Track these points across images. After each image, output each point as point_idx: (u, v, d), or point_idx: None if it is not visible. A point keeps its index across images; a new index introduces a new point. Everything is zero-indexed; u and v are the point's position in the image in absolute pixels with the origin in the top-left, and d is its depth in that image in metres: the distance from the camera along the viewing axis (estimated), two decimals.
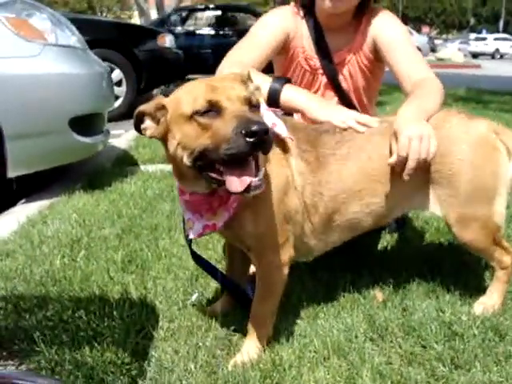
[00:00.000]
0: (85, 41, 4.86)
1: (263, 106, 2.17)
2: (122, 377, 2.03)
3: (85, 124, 4.34)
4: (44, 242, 3.28)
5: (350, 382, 2.00)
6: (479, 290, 2.65)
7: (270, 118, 2.17)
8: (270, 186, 2.11)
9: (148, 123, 1.98)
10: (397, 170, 2.29)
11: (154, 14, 23.81)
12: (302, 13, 2.95)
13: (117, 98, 7.86)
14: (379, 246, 3.23)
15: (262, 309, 2.21)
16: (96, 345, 2.21)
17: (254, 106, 1.91)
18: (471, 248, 2.49)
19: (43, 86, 4.03)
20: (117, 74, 8.53)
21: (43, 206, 4.05)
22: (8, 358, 2.22)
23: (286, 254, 2.20)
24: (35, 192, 4.44)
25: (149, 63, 8.95)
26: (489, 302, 2.49)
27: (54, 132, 4.16)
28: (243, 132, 1.73)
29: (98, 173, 4.94)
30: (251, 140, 1.73)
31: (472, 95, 11.55)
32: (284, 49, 2.93)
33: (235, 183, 1.80)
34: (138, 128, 2.00)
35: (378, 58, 2.89)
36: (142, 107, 1.97)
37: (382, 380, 2.00)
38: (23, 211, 3.94)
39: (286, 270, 2.21)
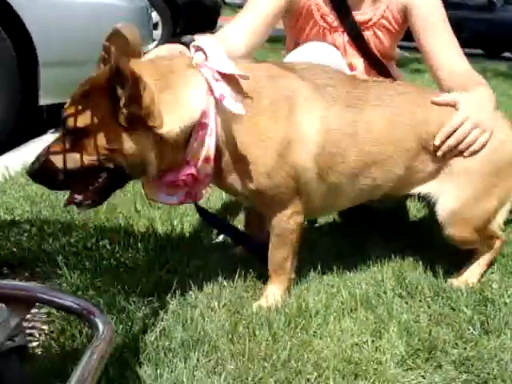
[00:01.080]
0: None
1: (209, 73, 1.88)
2: (143, 307, 1.99)
3: None
4: None
5: (376, 335, 1.95)
6: (510, 256, 2.58)
7: (217, 90, 1.86)
8: (262, 142, 1.94)
9: None
10: (435, 142, 2.17)
11: None
12: None
13: (152, 40, 7.75)
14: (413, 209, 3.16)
15: (278, 256, 2.12)
16: (119, 274, 2.17)
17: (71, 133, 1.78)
18: (456, 243, 2.35)
19: (84, 14, 3.96)
20: (154, 17, 8.40)
21: None
22: (30, 279, 2.20)
23: (295, 206, 2.07)
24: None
25: (186, 8, 8.82)
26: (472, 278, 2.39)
27: (90, 62, 4.06)
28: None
29: None
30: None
31: None
32: (293, 8, 2.58)
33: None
34: None
35: (406, 20, 2.60)
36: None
37: (408, 337, 1.94)
38: (52, 140, 3.89)
39: (298, 219, 2.08)
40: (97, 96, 1.75)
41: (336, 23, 2.60)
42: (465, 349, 1.91)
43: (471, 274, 2.37)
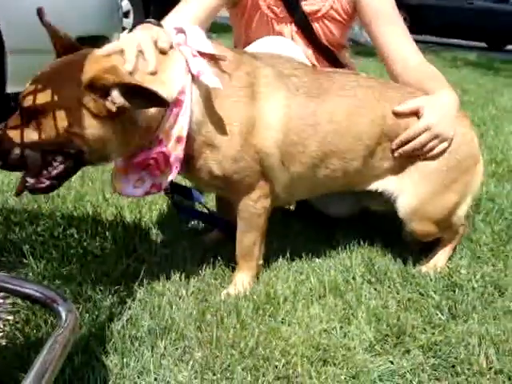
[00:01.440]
0: None
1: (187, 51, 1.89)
2: (110, 296, 1.97)
3: (89, 46, 4.19)
4: None
5: (345, 321, 1.95)
6: (478, 243, 2.61)
7: (195, 66, 1.86)
8: (228, 126, 1.93)
9: None
10: (392, 146, 2.20)
11: None
12: None
13: (123, 29, 7.67)
14: None
15: (245, 241, 2.11)
16: (86, 263, 2.14)
17: (27, 113, 1.76)
18: (418, 237, 2.37)
19: (50, 1, 3.88)
20: (125, 5, 8.32)
21: None
22: None
23: (262, 189, 2.06)
24: None
25: None
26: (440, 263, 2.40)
27: None
28: None
29: None
30: None
31: (483, 61, 11.36)
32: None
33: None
34: None
35: (355, 10, 2.55)
36: None
37: (377, 322, 1.95)
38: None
39: (265, 202, 2.07)
40: (66, 80, 1.73)
41: (283, 14, 2.55)
42: (433, 334, 1.92)
43: (438, 260, 2.39)
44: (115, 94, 1.67)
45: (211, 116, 1.91)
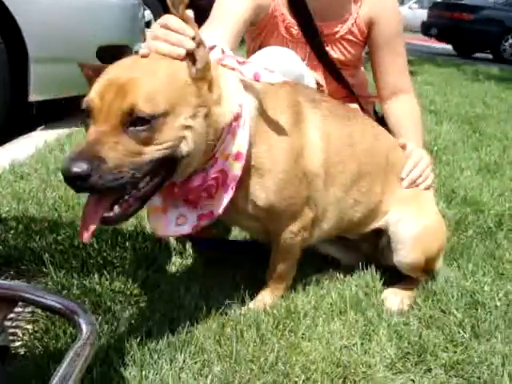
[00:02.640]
0: None
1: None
2: (129, 307, 1.97)
3: (112, 55, 4.20)
4: (60, 168, 3.20)
5: (366, 337, 1.92)
6: (501, 260, 2.57)
7: (248, 71, 1.80)
8: (276, 152, 1.86)
9: None
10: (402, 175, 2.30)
11: None
12: None
13: (145, 39, 7.71)
14: None
15: (280, 268, 2.07)
16: (105, 273, 2.13)
17: (141, 122, 1.48)
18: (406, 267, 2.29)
19: (74, 10, 3.91)
20: (147, 15, 8.36)
21: (61, 135, 3.97)
22: (15, 277, 2.16)
23: (303, 220, 2.01)
24: (54, 120, 4.35)
25: None
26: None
27: (80, 59, 4.04)
28: (64, 165, 1.41)
29: None
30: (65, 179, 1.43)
31: (505, 75, 11.27)
32: (258, 19, 2.51)
33: (83, 224, 1.51)
34: None
35: (371, 31, 2.63)
36: None
37: (398, 339, 1.92)
38: (41, 137, 3.87)
39: (305, 234, 2.04)
40: (169, 81, 1.56)
41: (299, 35, 2.57)
42: (455, 352, 1.89)
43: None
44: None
45: (262, 135, 1.84)
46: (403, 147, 2.37)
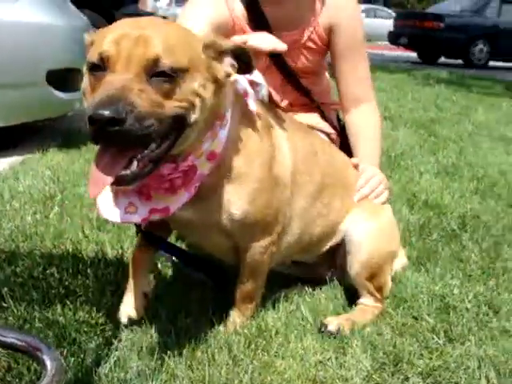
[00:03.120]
0: None
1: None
2: (95, 337, 1.89)
3: (62, 79, 4.14)
4: (15, 197, 3.12)
5: (340, 350, 1.89)
6: (468, 262, 2.57)
7: (242, 85, 1.89)
8: (252, 160, 1.84)
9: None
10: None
11: None
12: None
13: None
14: None
15: (249, 287, 2.01)
16: (68, 303, 2.06)
17: (163, 74, 1.48)
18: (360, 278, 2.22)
19: (20, 34, 3.83)
20: None
21: (15, 162, 3.88)
22: None
23: (272, 236, 1.97)
24: (6, 148, 4.24)
25: None
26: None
27: (30, 85, 3.98)
28: (91, 112, 1.36)
29: (73, 132, 4.78)
30: (92, 126, 1.38)
31: (454, 78, 11.46)
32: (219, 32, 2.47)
33: (94, 179, 1.47)
34: None
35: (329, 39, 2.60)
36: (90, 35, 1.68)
37: (373, 350, 1.89)
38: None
39: (273, 249, 1.99)
40: (187, 42, 1.59)
41: None
42: (430, 359, 1.88)
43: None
44: (227, 60, 1.65)
45: (239, 143, 1.82)
46: (355, 167, 2.37)
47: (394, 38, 18.47)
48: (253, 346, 1.86)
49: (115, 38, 1.50)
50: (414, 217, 3.10)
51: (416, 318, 2.11)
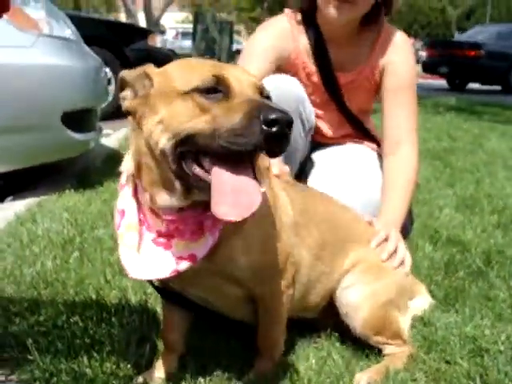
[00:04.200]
0: None
1: None
2: None
3: (77, 119, 4.15)
4: (34, 241, 3.09)
5: None
6: (497, 300, 2.52)
7: None
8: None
9: (127, 93, 1.63)
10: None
11: (141, 16, 23.61)
12: (299, 19, 2.72)
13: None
14: None
15: (273, 334, 1.96)
16: (95, 354, 2.02)
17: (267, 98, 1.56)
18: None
19: (36, 78, 3.84)
20: (107, 73, 8.32)
21: (32, 204, 3.85)
22: None
23: (287, 278, 1.91)
24: (22, 190, 4.23)
25: (138, 63, 8.66)
26: None
27: (46, 127, 3.98)
28: (262, 118, 1.37)
29: (88, 171, 4.77)
30: (270, 130, 1.36)
31: (463, 105, 11.47)
32: (281, 69, 2.71)
33: (224, 195, 1.43)
34: None
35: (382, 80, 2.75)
36: (125, 73, 1.65)
37: None
38: (10, 208, 3.75)
39: (290, 292, 1.94)
40: None
41: (319, 82, 2.70)
42: None
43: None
44: None
45: None
46: (370, 224, 2.33)
47: (430, 68, 18.85)
48: None
49: (218, 66, 1.56)
50: (437, 254, 3.05)
51: (449, 362, 2.05)
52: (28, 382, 1.91)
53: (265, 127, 1.36)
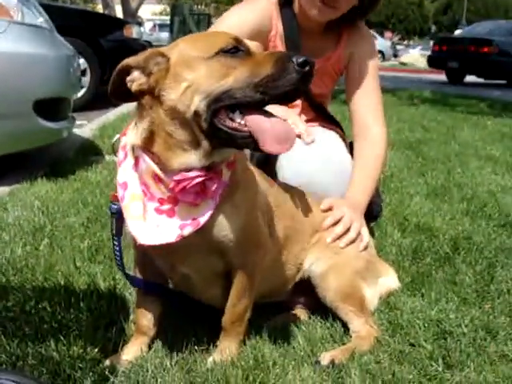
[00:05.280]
0: None
1: None
2: (91, 373, 1.86)
3: (50, 108, 4.13)
4: (4, 229, 3.08)
5: (339, 381, 1.87)
6: (463, 285, 2.56)
7: None
8: (250, 179, 1.99)
9: (136, 75, 1.71)
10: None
11: (118, 8, 23.42)
12: (278, 3, 2.73)
13: (81, 87, 7.61)
14: None
15: (239, 307, 1.99)
16: (62, 338, 2.03)
17: None
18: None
19: (7, 65, 3.81)
20: (81, 64, 8.25)
21: (3, 193, 3.83)
22: None
23: (265, 248, 2.03)
24: None
25: (114, 53, 8.66)
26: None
27: (18, 115, 3.95)
28: (295, 61, 1.58)
29: (60, 161, 4.74)
30: (304, 69, 1.58)
31: (438, 97, 11.56)
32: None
33: (268, 135, 1.62)
34: (116, 90, 1.75)
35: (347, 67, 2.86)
36: (129, 59, 1.72)
37: (372, 379, 1.87)
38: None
39: (262, 264, 2.03)
40: None
41: None
42: None
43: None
44: None
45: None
46: (331, 208, 2.39)
47: (437, 63, 18.98)
48: (251, 378, 1.83)
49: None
50: (406, 240, 3.09)
51: (413, 345, 2.09)
52: None
53: (299, 68, 1.57)
